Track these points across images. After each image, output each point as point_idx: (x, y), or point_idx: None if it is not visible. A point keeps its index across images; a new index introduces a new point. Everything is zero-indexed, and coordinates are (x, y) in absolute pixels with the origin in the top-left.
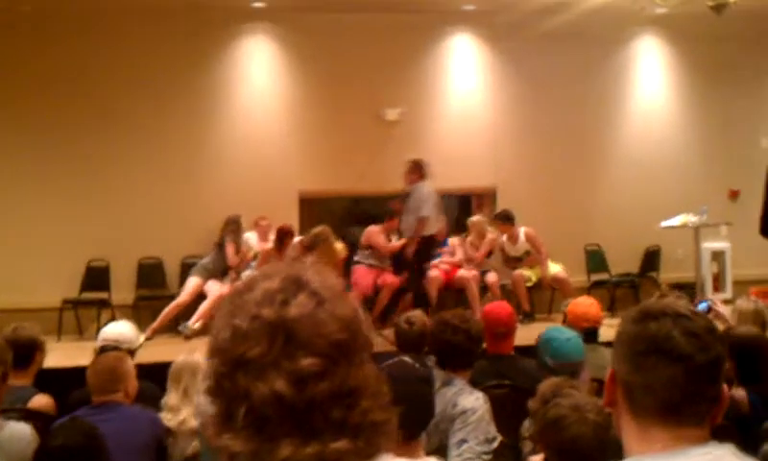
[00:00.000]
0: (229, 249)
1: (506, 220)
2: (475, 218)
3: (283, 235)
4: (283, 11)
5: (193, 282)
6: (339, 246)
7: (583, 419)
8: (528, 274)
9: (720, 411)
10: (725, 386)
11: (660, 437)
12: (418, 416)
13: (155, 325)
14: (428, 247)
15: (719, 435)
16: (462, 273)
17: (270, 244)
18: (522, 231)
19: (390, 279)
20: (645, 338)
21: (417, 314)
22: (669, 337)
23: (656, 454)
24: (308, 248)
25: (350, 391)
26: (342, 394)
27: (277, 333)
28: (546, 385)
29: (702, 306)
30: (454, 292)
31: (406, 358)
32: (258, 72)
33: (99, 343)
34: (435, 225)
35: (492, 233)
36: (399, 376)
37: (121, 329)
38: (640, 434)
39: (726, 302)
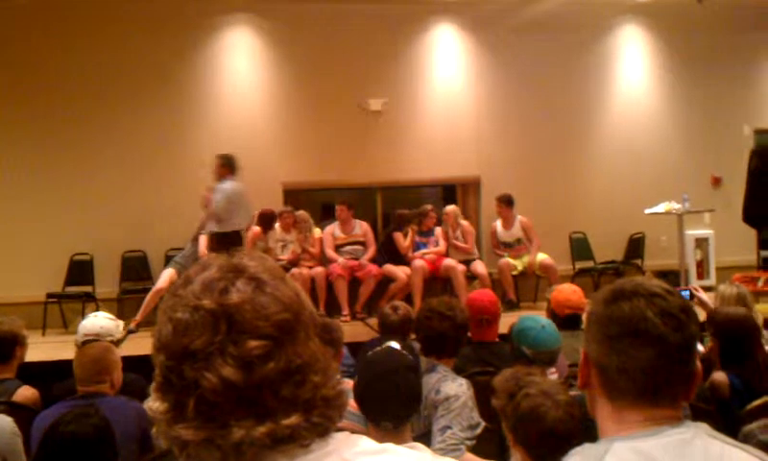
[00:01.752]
0: (202, 242)
1: (508, 203)
2: (449, 208)
3: (269, 219)
4: (265, 2)
5: (167, 273)
6: (316, 230)
7: (556, 403)
8: (514, 262)
9: (693, 388)
10: (698, 363)
11: (635, 418)
12: (405, 403)
13: (138, 316)
14: (229, 244)
15: (699, 419)
16: (448, 262)
17: (256, 228)
18: (518, 219)
19: (373, 269)
20: (618, 319)
21: (401, 302)
22: (643, 318)
23: (631, 434)
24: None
25: (298, 368)
26: (290, 372)
27: (220, 321)
28: (504, 379)
29: (683, 295)
30: (440, 281)
31: (393, 344)
32: (240, 64)
33: (80, 337)
34: (236, 222)
35: (465, 222)
36: (388, 366)
37: (101, 322)
38: (616, 415)
39: (709, 288)
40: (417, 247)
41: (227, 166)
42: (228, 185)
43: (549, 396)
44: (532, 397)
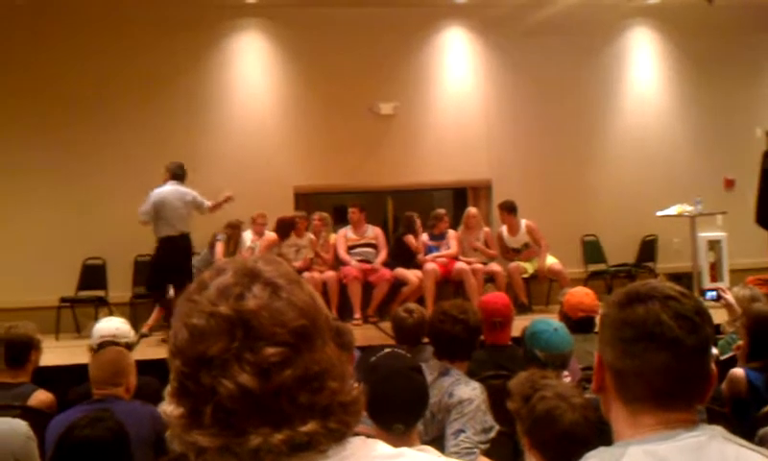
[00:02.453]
0: (219, 248)
1: (510, 210)
2: (473, 210)
3: (287, 227)
4: (276, 6)
5: None
6: (331, 236)
7: (572, 406)
8: (524, 265)
9: (709, 390)
10: (713, 366)
11: (650, 421)
12: (415, 404)
13: (150, 321)
14: (168, 250)
15: (714, 421)
16: (460, 265)
17: (272, 234)
18: (523, 223)
19: (386, 274)
20: (633, 323)
21: (415, 305)
22: (658, 321)
23: (646, 438)
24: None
25: (316, 375)
26: (307, 378)
27: (236, 327)
28: (519, 382)
29: (710, 295)
30: (452, 284)
31: (397, 349)
32: (252, 68)
33: (96, 340)
34: (166, 228)
35: (488, 228)
36: (395, 368)
37: (115, 325)
38: (631, 419)
39: None
40: (428, 250)
41: (167, 172)
42: (159, 190)
43: (565, 398)
44: (547, 399)
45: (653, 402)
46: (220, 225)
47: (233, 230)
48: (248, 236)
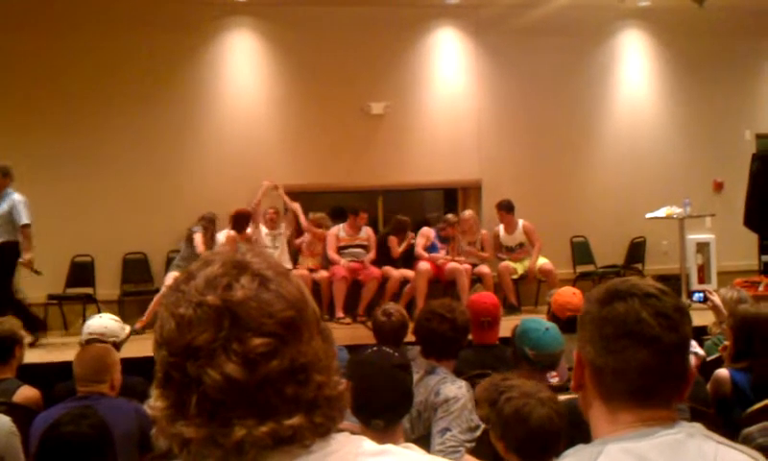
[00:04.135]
0: (197, 238)
1: (508, 209)
2: (468, 213)
3: (243, 220)
4: (267, 5)
5: (172, 276)
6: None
7: (540, 400)
8: (514, 266)
9: (687, 388)
10: (692, 364)
11: (628, 419)
12: (397, 402)
13: (144, 318)
14: (9, 256)
15: (699, 421)
16: (453, 265)
17: (232, 231)
18: (521, 223)
19: (375, 272)
20: (613, 320)
21: (394, 306)
22: (639, 319)
23: (624, 435)
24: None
25: (302, 367)
26: (294, 371)
27: (224, 318)
28: (484, 389)
29: (697, 297)
30: (443, 284)
31: (384, 347)
32: (242, 67)
33: (84, 337)
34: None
35: (484, 230)
36: (378, 364)
37: (105, 323)
38: (610, 416)
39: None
40: (432, 248)
41: (8, 175)
42: (20, 195)
43: (531, 395)
44: (514, 399)
45: (632, 400)
46: (194, 220)
47: (209, 223)
48: (221, 236)
